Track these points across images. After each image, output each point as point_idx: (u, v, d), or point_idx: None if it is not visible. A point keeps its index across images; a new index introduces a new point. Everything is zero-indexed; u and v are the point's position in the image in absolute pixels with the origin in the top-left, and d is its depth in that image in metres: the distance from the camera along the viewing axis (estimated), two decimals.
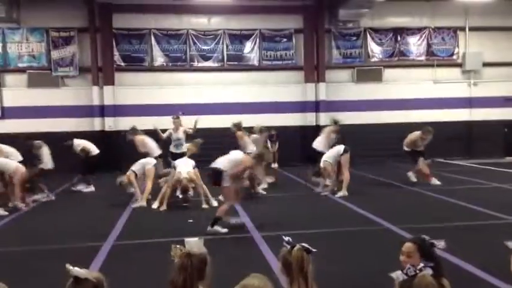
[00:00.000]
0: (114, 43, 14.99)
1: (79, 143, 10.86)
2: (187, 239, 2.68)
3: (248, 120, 14.01)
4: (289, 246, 2.56)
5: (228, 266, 4.38)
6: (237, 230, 6.66)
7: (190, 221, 7.43)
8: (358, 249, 5.81)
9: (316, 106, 15.74)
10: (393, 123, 15.37)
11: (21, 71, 14.67)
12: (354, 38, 16.04)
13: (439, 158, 14.65)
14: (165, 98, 15.12)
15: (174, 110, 13.94)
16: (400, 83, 16.24)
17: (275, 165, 14.58)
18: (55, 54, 14.72)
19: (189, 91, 15.37)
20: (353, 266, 5.07)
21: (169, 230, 6.87)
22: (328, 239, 6.16)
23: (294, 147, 14.87)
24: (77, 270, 2.28)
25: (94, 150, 11.01)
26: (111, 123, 14.84)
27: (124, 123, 13.79)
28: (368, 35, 16.10)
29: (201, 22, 15.71)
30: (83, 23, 14.80)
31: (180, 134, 10.67)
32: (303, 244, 2.55)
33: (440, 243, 2.45)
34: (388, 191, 10.15)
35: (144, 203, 8.77)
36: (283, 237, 2.61)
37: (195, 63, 15.59)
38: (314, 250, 2.55)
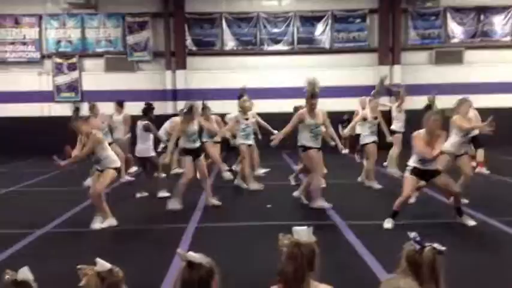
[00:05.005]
0: (186, 28, 15.16)
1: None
2: (295, 228, 2.51)
3: (318, 104, 13.72)
4: (418, 246, 2.31)
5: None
6: (320, 217, 6.52)
7: (269, 206, 7.34)
8: (453, 242, 5.43)
9: (390, 90, 15.09)
10: (475, 108, 14.41)
11: (99, 55, 15.25)
12: (433, 18, 15.21)
13: None
14: (236, 82, 15.06)
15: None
16: (482, 65, 15.24)
17: (346, 151, 14.23)
18: (130, 39, 15.13)
19: (259, 75, 15.26)
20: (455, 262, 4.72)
21: (249, 214, 6.86)
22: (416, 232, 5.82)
23: None
24: (190, 255, 2.17)
25: None
26: (183, 107, 15.06)
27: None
28: (448, 15, 15.21)
29: (271, 4, 15.53)
30: (156, 8, 15.10)
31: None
32: (435, 244, 2.30)
33: None
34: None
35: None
36: (409, 233, 2.37)
37: (265, 47, 15.46)
38: (443, 248, 2.30)
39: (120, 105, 10.22)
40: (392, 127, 9.91)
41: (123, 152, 10.20)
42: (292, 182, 8.83)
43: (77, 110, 7.04)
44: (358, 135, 12.77)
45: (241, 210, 7.24)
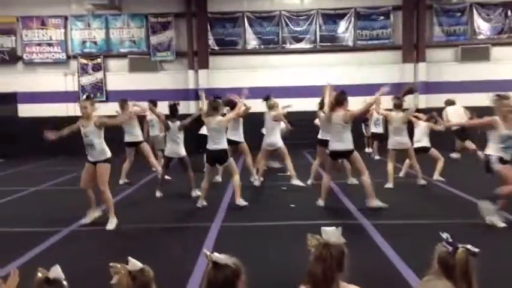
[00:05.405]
0: (208, 27, 15.22)
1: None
2: (324, 228, 2.48)
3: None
4: (450, 248, 2.27)
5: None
6: (345, 217, 6.47)
7: (292, 205, 7.31)
8: (483, 243, 5.32)
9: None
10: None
11: (123, 56, 15.42)
12: (459, 14, 14.92)
13: None
14: (258, 80, 15.11)
15: (266, 93, 14.07)
16: (510, 62, 14.88)
17: (369, 150, 14.10)
18: (153, 40, 15.27)
19: (281, 74, 15.23)
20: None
21: (273, 214, 6.84)
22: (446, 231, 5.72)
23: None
24: (216, 256, 2.17)
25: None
26: (206, 107, 15.12)
27: None
28: (474, 11, 14.90)
29: (293, 2, 15.46)
30: (179, 8, 15.20)
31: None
32: (468, 246, 2.26)
33: None
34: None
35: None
36: (441, 233, 2.33)
37: (287, 45, 15.41)
38: (477, 250, 2.25)
39: (153, 104, 10.51)
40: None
41: (156, 148, 10.66)
42: (312, 182, 8.94)
43: (88, 96, 7.03)
44: (377, 134, 12.84)
45: (264, 210, 7.21)
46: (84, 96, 6.40)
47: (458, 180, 8.92)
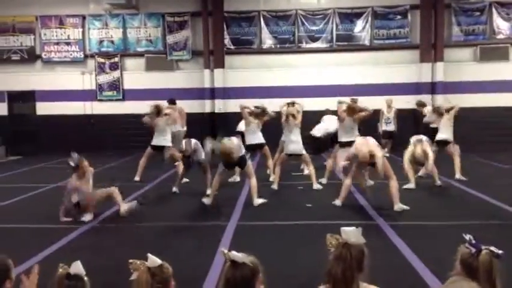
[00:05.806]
0: (224, 26, 15.23)
1: None
2: (343, 228, 2.47)
3: (360, 103, 13.49)
4: (474, 249, 2.24)
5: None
6: (361, 217, 6.43)
7: (309, 205, 7.28)
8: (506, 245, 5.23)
9: (433, 88, 14.74)
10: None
11: (140, 55, 15.53)
12: (478, 13, 14.69)
13: None
14: (273, 80, 15.10)
15: (281, 92, 14.09)
16: None
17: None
18: (170, 39, 15.34)
19: (297, 73, 15.18)
20: None
21: (289, 213, 6.82)
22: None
23: (407, 132, 14.04)
24: (234, 254, 2.17)
25: None
26: (221, 106, 15.20)
27: (233, 105, 13.98)
28: (494, 10, 14.65)
29: (310, 1, 15.37)
30: (196, 7, 15.24)
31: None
32: (491, 248, 2.23)
33: None
34: None
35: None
36: (464, 235, 2.30)
37: (303, 45, 15.34)
38: (501, 252, 2.21)
39: (173, 103, 10.66)
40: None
41: (177, 144, 10.57)
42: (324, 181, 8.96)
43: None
44: (388, 132, 12.74)
45: (281, 209, 7.19)
46: (76, 155, 6.68)
47: (475, 181, 8.80)
